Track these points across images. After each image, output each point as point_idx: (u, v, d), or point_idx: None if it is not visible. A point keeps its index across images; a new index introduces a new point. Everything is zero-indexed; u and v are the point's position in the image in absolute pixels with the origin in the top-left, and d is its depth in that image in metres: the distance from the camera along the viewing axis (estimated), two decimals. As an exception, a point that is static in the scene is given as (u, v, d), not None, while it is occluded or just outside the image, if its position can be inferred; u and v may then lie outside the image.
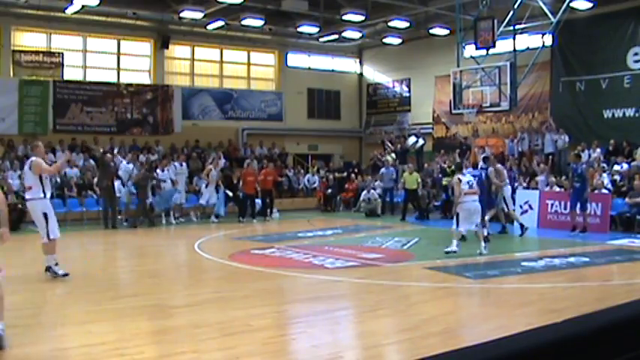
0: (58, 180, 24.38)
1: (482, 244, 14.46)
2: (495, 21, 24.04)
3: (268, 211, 25.18)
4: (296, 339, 7.89)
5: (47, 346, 7.16)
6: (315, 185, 30.42)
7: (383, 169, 26.91)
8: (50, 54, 28.13)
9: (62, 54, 28.19)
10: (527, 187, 22.18)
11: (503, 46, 24.74)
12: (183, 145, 29.57)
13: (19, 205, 21.78)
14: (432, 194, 25.33)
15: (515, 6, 23.89)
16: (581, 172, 18.07)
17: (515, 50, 24.40)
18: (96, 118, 28.74)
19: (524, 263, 13.48)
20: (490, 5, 24.38)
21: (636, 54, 24.55)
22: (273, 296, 10.54)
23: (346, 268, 12.73)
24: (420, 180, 24.18)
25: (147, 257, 16.73)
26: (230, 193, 24.34)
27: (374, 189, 26.48)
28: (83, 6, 25.24)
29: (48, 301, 9.82)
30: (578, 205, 18.57)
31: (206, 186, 24.31)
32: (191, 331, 7.80)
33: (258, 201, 26.06)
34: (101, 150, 25.12)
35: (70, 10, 26.02)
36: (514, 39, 24.37)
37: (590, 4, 24.49)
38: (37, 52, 27.88)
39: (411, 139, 29.38)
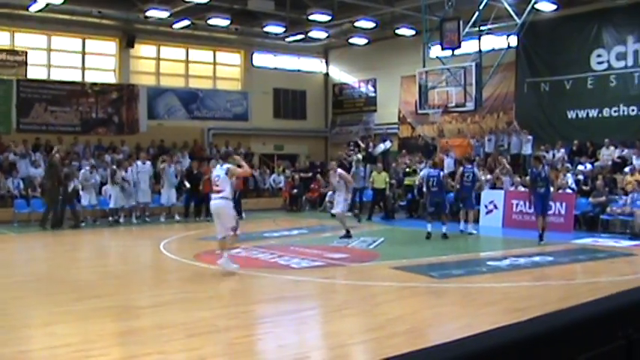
0: (22, 181, 24.12)
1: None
2: (461, 22, 24.19)
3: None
4: (262, 339, 7.88)
5: (10, 349, 7.05)
6: (281, 185, 30.37)
7: (353, 169, 26.53)
8: (14, 52, 27.65)
9: (26, 52, 27.73)
10: (493, 187, 22.31)
11: (469, 46, 24.93)
12: (149, 145, 29.26)
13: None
14: (398, 194, 25.40)
15: (481, 7, 24.08)
16: (546, 176, 17.57)
17: (480, 51, 24.62)
18: (60, 118, 28.34)
19: (489, 262, 13.60)
20: (456, 6, 24.51)
21: (599, 55, 24.85)
22: (239, 296, 10.51)
23: (312, 268, 12.72)
24: (388, 180, 24.16)
25: (111, 258, 16.62)
26: (188, 185, 24.23)
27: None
28: (47, 4, 24.85)
29: (10, 302, 9.67)
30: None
31: (162, 186, 24.23)
32: (156, 332, 7.75)
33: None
34: (54, 151, 24.61)
35: (33, 8, 25.61)
36: (479, 40, 24.59)
37: (554, 6, 24.71)
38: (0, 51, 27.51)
39: (380, 147, 29.13)
